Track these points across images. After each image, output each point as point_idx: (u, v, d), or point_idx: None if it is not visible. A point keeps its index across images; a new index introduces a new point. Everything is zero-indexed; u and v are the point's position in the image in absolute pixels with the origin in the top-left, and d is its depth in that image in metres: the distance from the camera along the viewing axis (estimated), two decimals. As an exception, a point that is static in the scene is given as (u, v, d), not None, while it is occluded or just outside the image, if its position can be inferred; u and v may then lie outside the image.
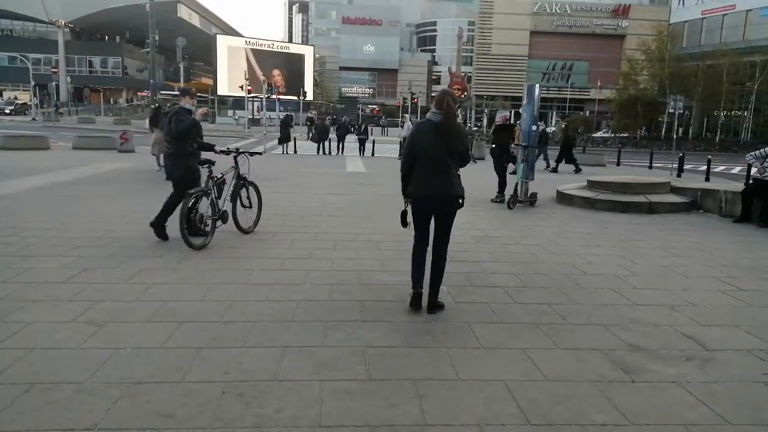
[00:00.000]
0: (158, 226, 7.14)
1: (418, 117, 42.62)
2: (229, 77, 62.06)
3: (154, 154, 15.18)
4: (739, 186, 11.43)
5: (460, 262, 6.66)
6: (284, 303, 4.97)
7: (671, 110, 19.97)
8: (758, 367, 3.97)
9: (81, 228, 7.81)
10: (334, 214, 9.82)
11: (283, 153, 24.40)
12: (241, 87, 37.94)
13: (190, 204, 6.67)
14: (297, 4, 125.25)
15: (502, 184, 11.82)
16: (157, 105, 18.35)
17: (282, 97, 44.17)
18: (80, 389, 3.33)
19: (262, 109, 37.23)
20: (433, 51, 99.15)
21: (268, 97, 29.74)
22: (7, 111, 54.03)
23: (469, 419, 3.14)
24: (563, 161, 21.17)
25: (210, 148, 7.47)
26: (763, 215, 9.65)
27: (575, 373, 3.77)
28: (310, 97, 60.37)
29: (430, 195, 4.81)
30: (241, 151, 7.74)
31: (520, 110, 11.57)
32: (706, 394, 3.52)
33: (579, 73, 66.11)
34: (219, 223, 7.22)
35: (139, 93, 76.85)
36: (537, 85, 11.52)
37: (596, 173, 16.98)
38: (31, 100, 55.51)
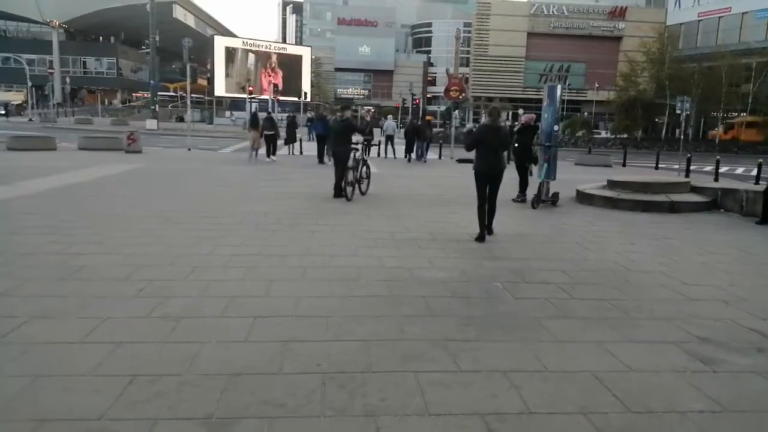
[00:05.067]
0: (337, 189, 11.40)
1: (418, 118, 42.50)
2: (227, 78, 61.89)
3: (253, 148, 20.61)
4: (759, 186, 11.56)
5: (504, 260, 6.78)
6: (349, 298, 5.05)
7: (678, 111, 20.15)
8: (829, 358, 4.09)
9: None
10: (363, 212, 9.88)
11: (289, 154, 24.41)
12: (243, 87, 37.86)
13: (349, 174, 11.23)
14: (291, 5, 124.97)
15: (523, 184, 11.92)
16: (254, 111, 24.82)
17: (281, 98, 44.16)
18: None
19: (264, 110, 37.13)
20: (429, 52, 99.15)
21: (275, 98, 29.63)
22: (2, 112, 53.43)
23: (571, 408, 3.23)
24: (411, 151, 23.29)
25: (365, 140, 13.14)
26: None
27: (657, 365, 3.87)
28: (308, 98, 60.22)
29: (488, 169, 7.84)
30: (371, 142, 13.62)
31: (542, 111, 11.64)
32: (789, 383, 3.62)
33: (576, 75, 66.29)
34: (356, 185, 11.60)
35: (134, 94, 76.47)
36: (558, 86, 11.65)
37: (607, 174, 17.10)
38: (27, 101, 55.10)
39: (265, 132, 20.48)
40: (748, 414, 3.24)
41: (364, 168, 12.20)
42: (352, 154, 11.46)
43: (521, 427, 3.02)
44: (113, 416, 2.99)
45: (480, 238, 7.74)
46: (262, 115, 22.10)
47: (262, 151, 20.75)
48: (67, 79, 57.87)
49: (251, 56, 64.70)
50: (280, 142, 22.04)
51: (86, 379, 3.39)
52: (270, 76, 63.87)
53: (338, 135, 11.60)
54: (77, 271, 5.64)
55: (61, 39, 69.55)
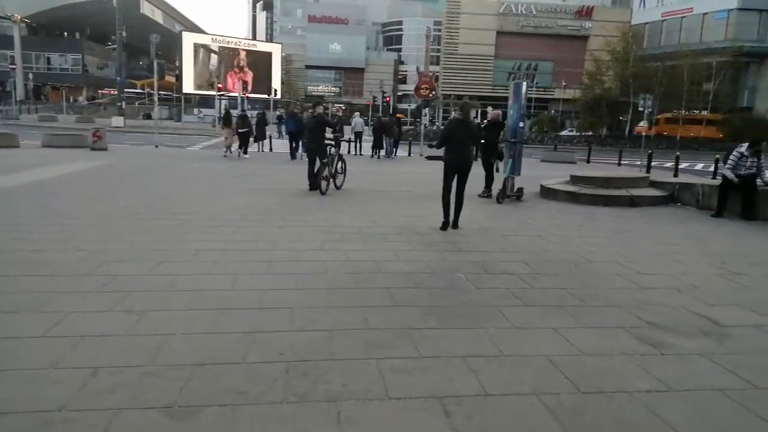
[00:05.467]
0: (311, 182, 11.90)
1: (387, 115, 42.60)
2: (195, 75, 61.07)
3: (226, 146, 21.34)
4: (714, 180, 11.98)
5: (468, 252, 6.94)
6: (315, 291, 5.12)
7: (641, 109, 20.66)
8: (770, 340, 4.32)
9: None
10: (331, 208, 9.96)
11: (258, 151, 24.30)
12: (212, 84, 37.48)
13: (324, 169, 11.47)
14: (261, 2, 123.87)
15: (489, 180, 12.13)
16: (226, 109, 25.24)
17: (251, 95, 43.83)
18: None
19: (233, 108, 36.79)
20: (400, 50, 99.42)
21: (245, 96, 29.41)
22: None
23: (525, 389, 3.37)
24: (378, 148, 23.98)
25: (334, 137, 12.69)
26: (745, 208, 10.18)
27: (609, 348, 4.04)
28: (278, 95, 59.83)
29: (457, 161, 8.13)
30: (340, 139, 13.40)
31: (508, 108, 11.84)
32: (730, 364, 3.82)
33: (543, 73, 67.11)
34: (331, 180, 11.94)
35: (100, 91, 74.91)
36: (524, 83, 11.87)
37: (572, 170, 17.43)
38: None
39: (239, 129, 20.92)
40: (691, 392, 3.41)
41: (340, 163, 12.60)
42: (327, 150, 11.90)
43: (477, 409, 3.14)
44: (74, 407, 3.01)
45: (444, 227, 8.18)
46: (235, 112, 22.49)
47: (234, 147, 21.07)
48: (30, 76, 56.45)
49: (220, 53, 63.95)
50: (250, 139, 22.12)
51: (48, 372, 3.40)
52: (239, 73, 63.26)
53: (311, 131, 12.09)
54: (41, 267, 5.58)
55: (23, 34, 67.65)
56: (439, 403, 3.16)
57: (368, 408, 3.10)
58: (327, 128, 12.36)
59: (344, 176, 12.88)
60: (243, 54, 65.33)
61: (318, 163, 11.77)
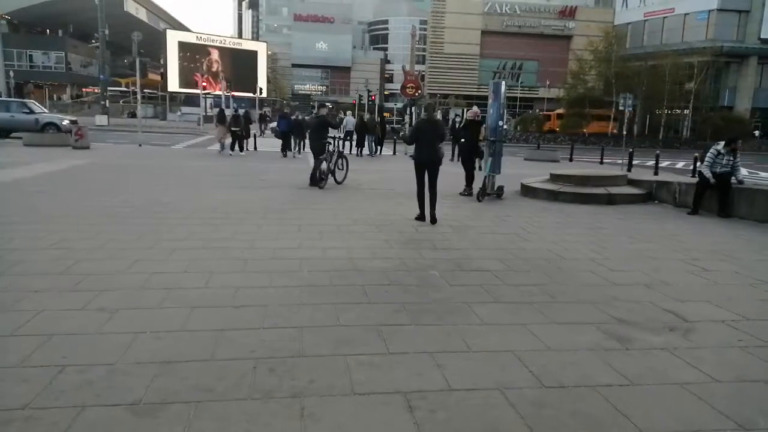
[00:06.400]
0: (312, 178, 12.56)
1: (375, 113, 42.56)
2: (180, 73, 60.64)
3: (219, 141, 22.69)
4: (692, 179, 12.14)
5: (445, 250, 6.99)
6: (289, 288, 5.15)
7: (621, 108, 20.85)
8: (733, 335, 4.41)
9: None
10: (309, 207, 9.98)
11: (242, 151, 24.19)
12: (196, 83, 37.23)
13: (321, 165, 12.32)
14: (246, 0, 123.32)
15: (469, 178, 12.20)
16: (220, 108, 26.49)
17: (236, 93, 43.60)
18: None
19: (218, 106, 36.58)
20: (386, 49, 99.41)
21: (230, 94, 29.28)
22: None
23: (490, 384, 3.42)
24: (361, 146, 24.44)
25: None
26: (721, 207, 10.34)
27: (574, 343, 4.11)
28: (264, 94, 59.53)
29: (425, 159, 8.66)
30: (339, 137, 14.80)
31: (488, 107, 11.91)
32: (693, 358, 3.90)
33: (528, 73, 67.42)
34: (329, 175, 12.71)
35: (84, 89, 74.12)
36: (503, 82, 11.93)
37: (554, 169, 17.57)
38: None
39: (231, 128, 21.89)
40: (651, 386, 3.48)
41: (341, 160, 13.50)
42: (327, 148, 12.62)
43: (440, 403, 3.18)
44: (39, 405, 3.01)
45: (420, 218, 8.83)
46: (228, 111, 23.73)
47: (226, 144, 22.08)
48: (11, 73, 55.74)
49: (205, 51, 63.56)
50: (230, 139, 22.45)
51: (14, 371, 3.40)
52: (223, 71, 62.91)
53: (313, 130, 12.84)
54: (14, 266, 5.56)
55: (4, 31, 66.82)
56: (404, 398, 3.21)
57: (332, 403, 3.14)
58: (329, 128, 13.01)
59: (346, 173, 13.59)
60: (228, 52, 64.94)
61: (322, 159, 12.52)
